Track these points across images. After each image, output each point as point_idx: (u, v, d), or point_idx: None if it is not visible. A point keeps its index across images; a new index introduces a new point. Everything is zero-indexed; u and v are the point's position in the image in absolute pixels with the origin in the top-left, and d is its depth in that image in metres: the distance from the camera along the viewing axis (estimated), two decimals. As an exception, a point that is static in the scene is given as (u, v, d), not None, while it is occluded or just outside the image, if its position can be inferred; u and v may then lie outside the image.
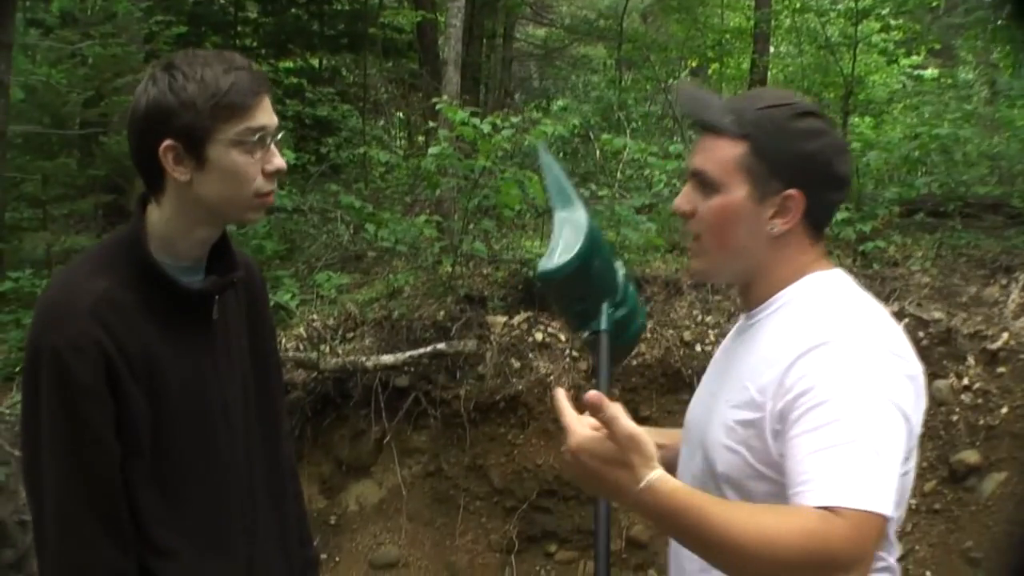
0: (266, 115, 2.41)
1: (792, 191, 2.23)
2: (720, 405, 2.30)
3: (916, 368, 2.16)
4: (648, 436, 1.97)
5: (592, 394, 1.95)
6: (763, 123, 2.26)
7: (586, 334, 2.69)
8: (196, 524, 2.51)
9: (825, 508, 1.91)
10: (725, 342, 2.61)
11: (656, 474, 1.94)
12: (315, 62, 15.74)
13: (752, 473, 2.17)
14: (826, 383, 2.04)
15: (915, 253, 8.48)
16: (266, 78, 2.46)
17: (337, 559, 7.67)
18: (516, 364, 7.68)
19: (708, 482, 2.26)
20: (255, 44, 15.39)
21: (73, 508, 2.33)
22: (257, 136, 2.38)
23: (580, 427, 2.01)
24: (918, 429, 2.15)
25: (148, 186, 2.45)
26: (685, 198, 2.34)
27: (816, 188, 2.26)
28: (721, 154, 2.27)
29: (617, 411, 1.94)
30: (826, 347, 2.09)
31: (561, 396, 2.12)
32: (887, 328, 2.19)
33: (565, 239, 2.54)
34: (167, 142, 2.33)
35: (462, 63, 11.32)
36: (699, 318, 7.75)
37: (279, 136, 2.46)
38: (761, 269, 2.32)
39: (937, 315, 7.26)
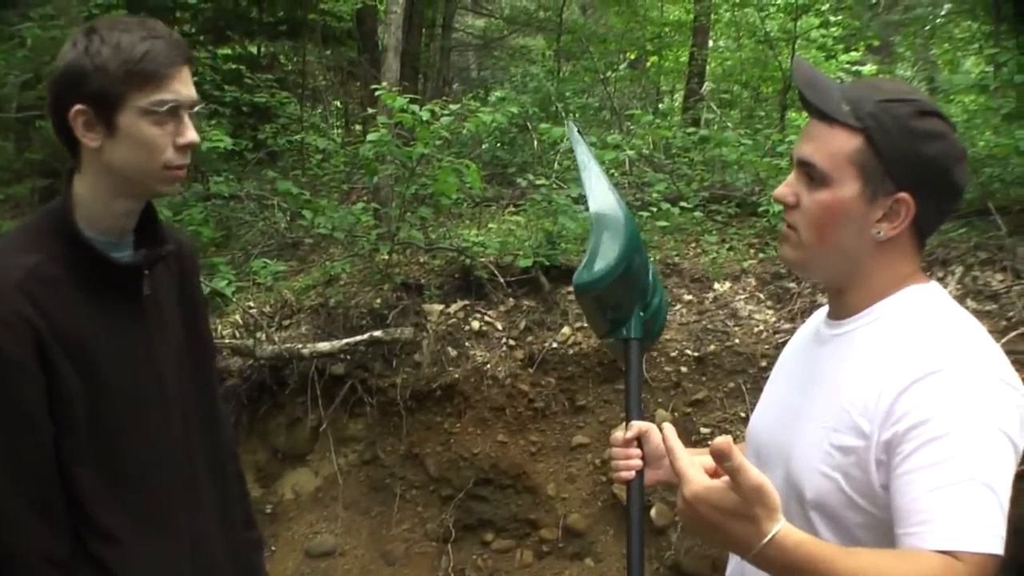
0: (182, 86, 2.39)
1: (904, 194, 2.12)
2: (811, 424, 2.21)
3: (1022, 395, 2.06)
4: (771, 486, 1.84)
5: (720, 441, 1.80)
6: (883, 117, 2.12)
7: (612, 340, 2.63)
8: (136, 503, 2.49)
9: (945, 552, 1.86)
10: (799, 344, 2.53)
11: (781, 527, 1.84)
12: (254, 49, 15.65)
13: (846, 502, 2.09)
14: (941, 415, 1.96)
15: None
16: (186, 48, 2.43)
17: (273, 548, 7.63)
18: (453, 352, 7.67)
19: (792, 506, 2.19)
20: (194, 30, 15.26)
21: (1, 490, 2.29)
22: (168, 107, 2.36)
23: (697, 473, 1.92)
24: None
25: (70, 153, 2.45)
26: (789, 187, 2.23)
27: (930, 194, 2.14)
28: (834, 146, 2.15)
29: (744, 460, 1.81)
30: (939, 375, 2.00)
31: (673, 435, 2.05)
32: (995, 353, 2.09)
33: (604, 241, 2.49)
34: (77, 106, 2.33)
35: (401, 52, 11.27)
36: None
37: (196, 109, 2.44)
38: (858, 274, 2.22)
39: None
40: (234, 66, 14.50)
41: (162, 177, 2.43)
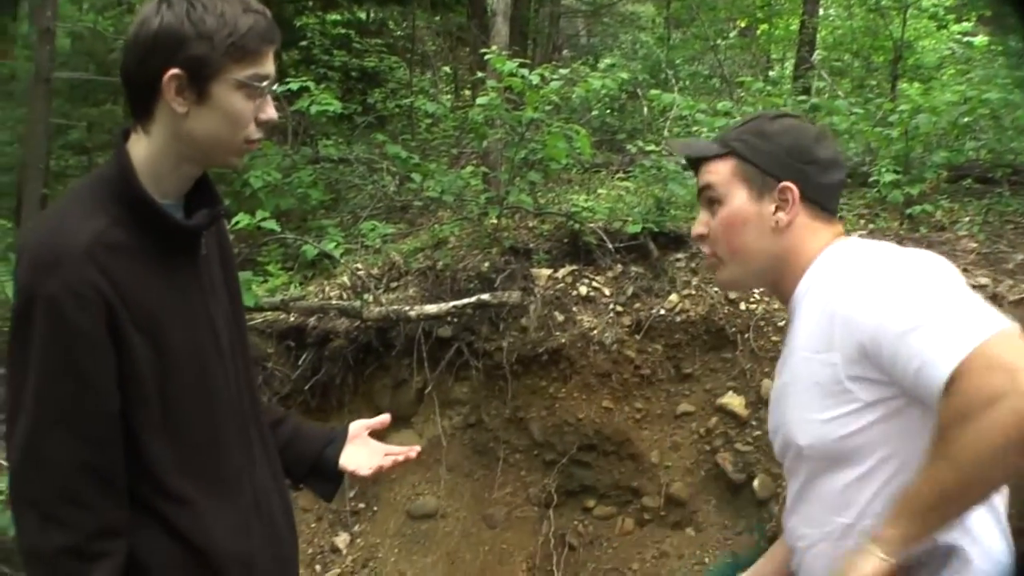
0: (271, 64, 2.42)
1: (785, 183, 2.50)
2: (787, 390, 2.49)
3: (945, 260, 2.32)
4: None
5: None
6: (743, 135, 2.58)
7: None
8: (203, 465, 2.51)
9: (958, 364, 2.00)
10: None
11: (876, 544, 2.11)
12: (363, 14, 15.70)
13: (834, 439, 2.31)
14: (873, 293, 2.23)
15: (962, 218, 8.39)
16: (277, 28, 2.45)
17: (375, 509, 7.70)
18: (560, 317, 7.66)
19: (798, 461, 2.48)
20: (303, -5, 15.36)
21: (63, 462, 2.28)
22: (264, 83, 2.38)
23: None
24: None
25: (136, 113, 2.42)
26: (699, 223, 2.63)
27: (805, 174, 2.51)
28: (718, 173, 2.57)
29: None
30: (857, 280, 2.29)
31: None
32: (905, 250, 2.39)
33: None
34: (174, 70, 2.30)
35: (510, 17, 11.25)
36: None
37: (275, 87, 2.45)
38: (780, 264, 2.54)
39: (983, 281, 7.18)
40: (343, 31, 14.59)
41: (239, 150, 2.45)
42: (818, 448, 2.35)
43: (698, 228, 2.62)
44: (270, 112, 2.43)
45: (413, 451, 3.04)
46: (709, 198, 2.59)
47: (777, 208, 2.50)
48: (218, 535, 2.50)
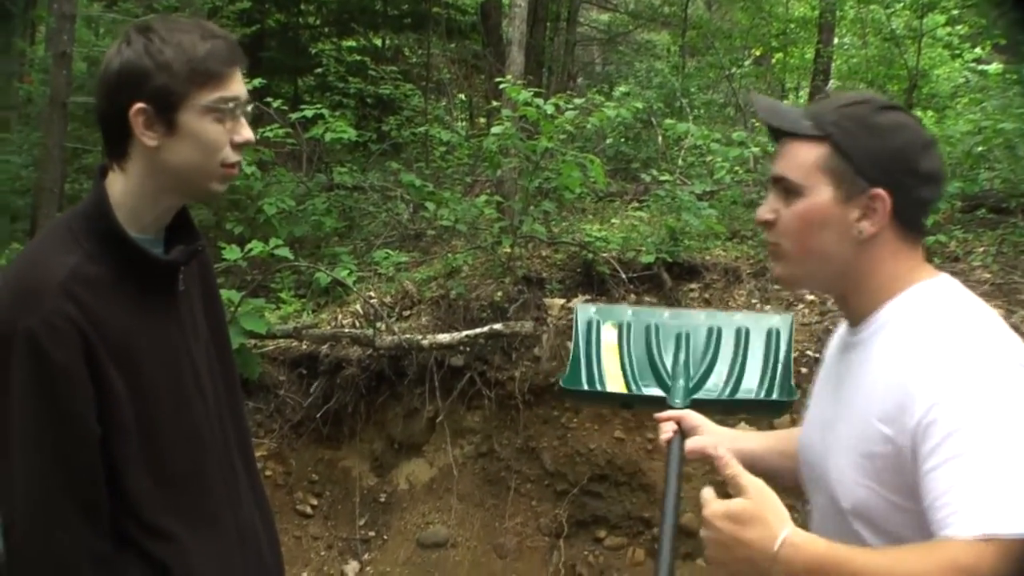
0: (239, 86, 2.41)
1: (878, 190, 2.15)
2: (840, 438, 2.23)
3: None
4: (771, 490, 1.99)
5: (720, 454, 2.08)
6: (844, 122, 2.20)
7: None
8: (186, 500, 2.50)
9: (973, 538, 1.86)
10: (829, 358, 2.53)
11: (791, 529, 1.92)
12: (378, 41, 15.75)
13: (887, 507, 2.11)
14: (954, 409, 1.97)
15: (976, 249, 8.37)
16: (241, 50, 2.45)
17: (385, 537, 7.67)
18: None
19: (835, 519, 2.23)
20: (318, 22, 15.41)
21: (49, 492, 2.28)
22: (231, 105, 2.38)
23: (712, 497, 2.02)
24: None
25: (112, 152, 2.43)
26: (767, 207, 2.29)
27: (903, 185, 2.17)
28: (802, 157, 2.22)
29: (741, 468, 2.02)
30: (946, 370, 2.02)
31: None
32: (1004, 338, 2.11)
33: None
34: (139, 105, 2.31)
35: (526, 46, 11.27)
36: (758, 306, 7.69)
37: (248, 109, 2.45)
38: (854, 278, 2.25)
39: (997, 312, 7.17)
40: (359, 58, 14.63)
41: (218, 175, 2.44)
42: (863, 512, 2.14)
43: (764, 213, 2.29)
44: (245, 133, 2.43)
45: None
46: (785, 188, 2.24)
47: (862, 216, 2.17)
48: (202, 571, 2.50)
